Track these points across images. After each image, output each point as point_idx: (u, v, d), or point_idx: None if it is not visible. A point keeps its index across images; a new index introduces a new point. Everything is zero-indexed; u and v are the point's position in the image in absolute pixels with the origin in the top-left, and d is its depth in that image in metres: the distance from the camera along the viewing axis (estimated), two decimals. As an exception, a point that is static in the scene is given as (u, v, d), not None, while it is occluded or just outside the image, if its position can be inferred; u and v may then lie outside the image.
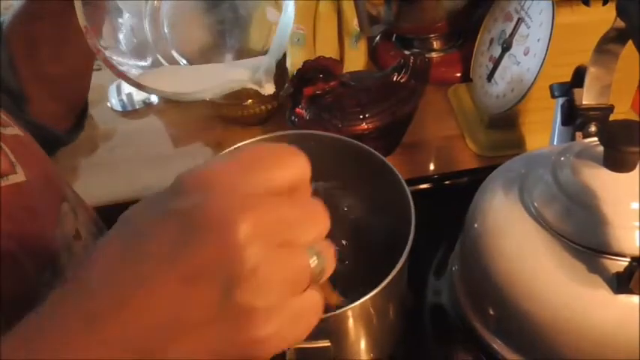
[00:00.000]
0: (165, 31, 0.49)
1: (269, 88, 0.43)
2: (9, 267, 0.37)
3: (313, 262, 0.23)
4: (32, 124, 0.50)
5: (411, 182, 0.48)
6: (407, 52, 0.82)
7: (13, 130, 0.43)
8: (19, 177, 0.40)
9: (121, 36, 0.46)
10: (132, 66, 0.45)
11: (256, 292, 0.22)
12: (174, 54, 0.49)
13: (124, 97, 0.83)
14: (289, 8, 0.42)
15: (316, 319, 0.24)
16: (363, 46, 0.83)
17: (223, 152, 0.24)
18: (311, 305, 0.24)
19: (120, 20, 0.47)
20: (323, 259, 0.24)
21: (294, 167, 0.24)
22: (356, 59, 0.82)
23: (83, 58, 0.54)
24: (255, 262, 0.22)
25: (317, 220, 0.24)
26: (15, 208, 0.38)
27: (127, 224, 0.24)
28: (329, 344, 0.41)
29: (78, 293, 0.24)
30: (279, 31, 0.42)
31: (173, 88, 0.43)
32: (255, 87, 0.42)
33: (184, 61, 0.49)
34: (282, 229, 0.23)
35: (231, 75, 0.44)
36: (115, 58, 0.43)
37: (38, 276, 0.39)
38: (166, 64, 0.48)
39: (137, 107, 0.83)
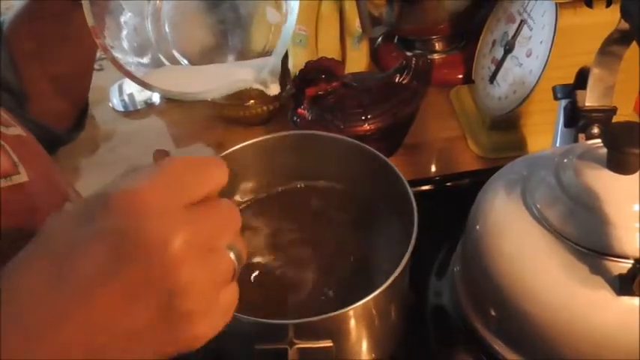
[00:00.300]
0: (167, 30, 0.49)
1: (274, 89, 0.43)
2: None
3: (234, 259, 0.27)
4: (33, 123, 0.50)
5: (413, 183, 0.48)
6: (409, 54, 0.82)
7: (16, 129, 0.43)
8: (21, 177, 0.40)
9: (123, 35, 0.46)
10: (133, 63, 0.45)
11: (193, 299, 0.25)
12: (176, 53, 0.49)
13: (126, 98, 0.83)
14: (295, 9, 0.43)
15: (236, 302, 0.28)
16: (364, 47, 0.83)
17: (143, 168, 0.26)
18: (234, 294, 0.28)
19: (122, 19, 0.47)
20: (238, 251, 0.27)
21: (212, 178, 0.27)
22: (358, 60, 0.82)
23: (84, 58, 0.54)
24: (190, 274, 0.24)
25: (232, 221, 0.27)
26: (17, 209, 0.38)
27: (53, 240, 0.25)
28: (331, 344, 0.40)
29: (14, 308, 0.24)
30: (285, 31, 0.42)
31: (179, 88, 0.43)
32: (260, 87, 0.43)
33: (185, 61, 0.49)
34: (206, 238, 0.26)
35: (236, 75, 0.44)
36: (119, 56, 0.43)
37: None
38: (168, 63, 0.48)
39: (139, 107, 0.83)
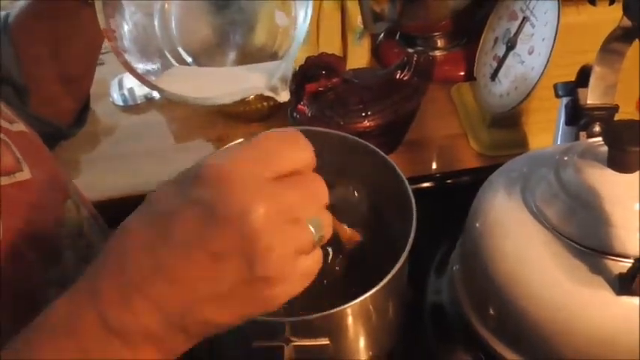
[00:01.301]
0: (173, 27, 0.48)
1: (284, 96, 0.43)
2: (16, 265, 0.37)
3: (314, 232, 0.28)
4: (34, 118, 0.50)
5: (413, 181, 0.48)
6: (410, 50, 0.82)
7: (19, 126, 0.43)
8: (25, 175, 0.40)
9: (126, 32, 0.46)
10: (138, 60, 0.44)
11: (272, 265, 0.27)
12: (181, 51, 0.48)
13: (126, 92, 0.82)
14: (308, 15, 0.42)
15: (317, 269, 0.29)
16: (366, 43, 0.83)
17: (237, 142, 0.28)
18: (314, 262, 0.29)
19: (127, 16, 0.46)
20: (321, 227, 0.29)
21: (298, 154, 0.29)
22: (359, 56, 0.82)
23: (88, 55, 0.54)
24: (269, 242, 0.27)
25: (316, 197, 0.29)
26: (21, 206, 0.38)
27: (153, 205, 0.28)
28: (328, 342, 0.40)
29: (113, 266, 0.28)
30: (297, 37, 0.42)
31: (191, 92, 0.43)
32: (271, 94, 0.43)
33: (190, 59, 0.49)
34: (288, 210, 0.27)
35: (247, 81, 0.44)
36: (130, 59, 0.42)
37: (44, 274, 0.39)
38: (174, 61, 0.47)
39: (139, 102, 0.82)
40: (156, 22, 0.46)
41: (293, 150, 0.28)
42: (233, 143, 0.28)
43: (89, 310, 0.27)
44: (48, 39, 0.50)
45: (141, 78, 0.43)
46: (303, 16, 0.44)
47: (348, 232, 0.43)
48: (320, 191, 0.29)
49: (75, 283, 0.29)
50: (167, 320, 0.27)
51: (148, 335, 0.27)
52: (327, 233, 0.29)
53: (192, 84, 0.44)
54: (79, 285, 0.29)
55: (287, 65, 0.43)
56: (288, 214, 0.27)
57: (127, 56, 0.42)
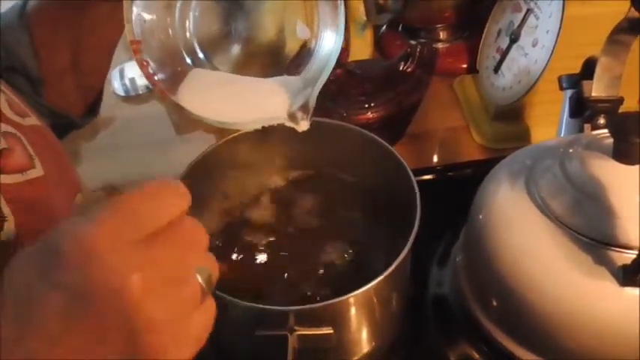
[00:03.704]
0: (191, 22, 0.47)
1: (304, 125, 0.42)
2: None
3: (201, 280, 0.26)
4: (46, 109, 0.50)
5: (415, 173, 0.47)
6: (413, 42, 0.81)
7: (31, 120, 0.43)
8: (37, 172, 0.39)
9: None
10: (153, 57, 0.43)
11: (160, 333, 0.24)
12: (196, 45, 0.47)
13: (127, 82, 0.82)
14: (339, 39, 0.42)
15: (212, 319, 0.27)
16: (369, 34, 0.82)
17: (94, 206, 0.25)
18: (208, 314, 0.27)
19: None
20: (207, 272, 0.27)
21: (169, 206, 0.26)
22: (362, 48, 0.81)
23: (105, 48, 0.54)
24: (151, 310, 0.24)
25: (196, 245, 0.27)
26: (33, 205, 0.38)
27: (14, 288, 0.25)
28: (332, 331, 0.40)
29: None
30: (329, 62, 0.41)
31: (212, 111, 0.42)
32: (291, 124, 0.42)
33: (201, 55, 0.48)
34: (166, 268, 0.25)
35: (269, 101, 0.43)
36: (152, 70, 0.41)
37: None
38: (188, 59, 0.46)
39: (140, 92, 0.82)
40: (176, 16, 0.45)
41: (160, 203, 0.26)
42: (93, 204, 0.25)
43: None
44: (66, 31, 0.49)
45: (164, 94, 0.41)
46: (332, 43, 0.42)
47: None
48: (198, 237, 0.27)
49: None
50: None
51: None
52: (215, 275, 0.27)
53: (212, 99, 0.43)
54: None
55: (312, 94, 0.42)
56: (168, 275, 0.25)
57: (149, 68, 0.41)
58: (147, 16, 0.42)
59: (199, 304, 0.26)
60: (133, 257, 0.24)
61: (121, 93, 0.82)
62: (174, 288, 0.25)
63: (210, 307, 0.27)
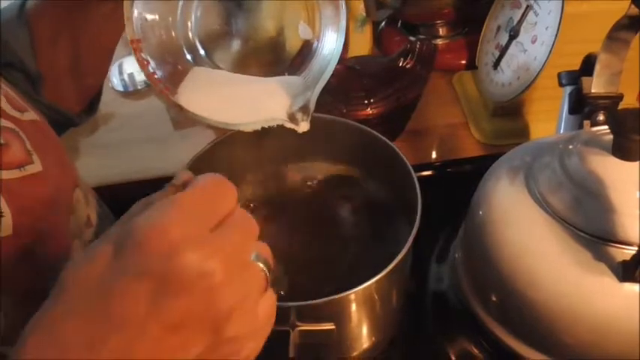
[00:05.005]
0: (193, 21, 0.47)
1: (304, 126, 0.42)
2: (26, 260, 0.36)
3: (263, 267, 0.28)
4: (45, 106, 0.50)
5: (414, 169, 0.48)
6: (412, 39, 0.82)
7: (30, 114, 0.42)
8: (36, 167, 0.39)
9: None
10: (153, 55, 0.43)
11: (238, 323, 0.26)
12: (197, 43, 0.47)
13: (126, 77, 0.82)
14: (340, 41, 0.42)
15: (274, 308, 0.29)
16: (368, 30, 0.82)
17: (157, 202, 0.26)
18: (271, 304, 0.29)
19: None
20: (264, 258, 0.28)
21: (225, 199, 0.28)
22: (361, 44, 0.81)
23: (105, 46, 0.53)
24: (231, 298, 0.25)
25: (251, 232, 0.28)
26: (32, 202, 0.38)
27: (79, 294, 0.25)
28: (333, 327, 0.40)
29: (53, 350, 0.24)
30: (330, 63, 0.41)
31: (211, 110, 0.42)
32: (291, 126, 0.42)
33: (202, 51, 0.47)
34: (236, 256, 0.26)
35: (269, 100, 0.43)
36: (152, 69, 0.41)
37: (53, 264, 0.39)
38: (189, 55, 0.46)
39: (139, 87, 0.82)
40: (178, 15, 0.45)
41: (218, 197, 0.28)
42: (156, 199, 0.27)
43: None
44: (65, 29, 0.49)
45: (164, 92, 0.41)
46: (334, 43, 0.43)
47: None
48: (251, 226, 0.28)
49: None
50: None
51: None
52: (271, 260, 0.29)
53: (212, 99, 0.43)
54: None
55: (312, 95, 0.42)
56: (238, 260, 0.26)
57: (150, 67, 0.41)
58: (148, 15, 0.42)
59: (264, 291, 0.28)
60: (206, 245, 0.25)
61: (120, 89, 0.82)
62: (246, 273, 0.27)
63: (271, 295, 0.28)
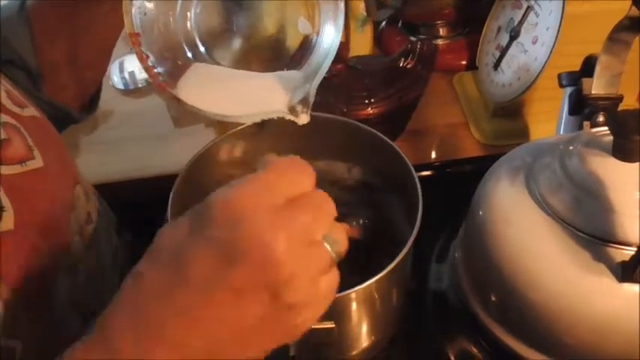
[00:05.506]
0: (193, 16, 0.47)
1: (304, 118, 0.43)
2: (27, 255, 0.36)
3: (330, 249, 0.29)
4: (46, 103, 0.50)
5: (414, 169, 0.48)
6: (413, 39, 0.82)
7: (30, 110, 0.42)
8: (37, 162, 0.39)
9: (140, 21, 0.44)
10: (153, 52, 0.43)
11: (297, 292, 0.27)
12: (197, 40, 0.47)
13: (127, 75, 0.82)
14: (338, 34, 0.42)
15: (336, 287, 0.30)
16: (368, 30, 0.82)
17: (243, 177, 0.29)
18: (333, 280, 0.30)
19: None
20: (336, 243, 0.29)
21: (302, 177, 0.29)
22: (361, 43, 0.81)
23: (105, 43, 0.53)
24: (292, 270, 0.27)
25: (326, 213, 0.29)
26: (33, 196, 0.38)
27: (164, 248, 0.28)
28: (333, 325, 0.40)
29: (127, 319, 0.28)
30: (328, 56, 0.42)
31: (210, 104, 0.42)
32: (291, 118, 0.42)
33: (202, 48, 0.48)
34: (304, 233, 0.28)
35: (268, 95, 0.43)
36: (151, 64, 0.41)
37: (54, 260, 0.39)
38: (189, 52, 0.46)
39: (139, 86, 0.82)
40: (178, 10, 0.45)
41: (296, 174, 0.29)
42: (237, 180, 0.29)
43: None
44: (66, 26, 0.49)
45: (162, 87, 0.42)
46: (332, 36, 0.43)
47: (350, 231, 0.44)
48: (328, 206, 0.29)
49: (88, 336, 0.28)
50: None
51: None
52: (343, 247, 0.30)
53: (212, 92, 0.43)
54: (94, 339, 0.28)
55: (312, 88, 0.42)
56: (305, 237, 0.28)
57: (149, 62, 0.41)
58: (147, 9, 0.42)
59: (328, 271, 0.29)
60: (277, 217, 0.27)
61: (121, 87, 0.82)
62: (311, 250, 0.28)
63: (335, 275, 0.30)
